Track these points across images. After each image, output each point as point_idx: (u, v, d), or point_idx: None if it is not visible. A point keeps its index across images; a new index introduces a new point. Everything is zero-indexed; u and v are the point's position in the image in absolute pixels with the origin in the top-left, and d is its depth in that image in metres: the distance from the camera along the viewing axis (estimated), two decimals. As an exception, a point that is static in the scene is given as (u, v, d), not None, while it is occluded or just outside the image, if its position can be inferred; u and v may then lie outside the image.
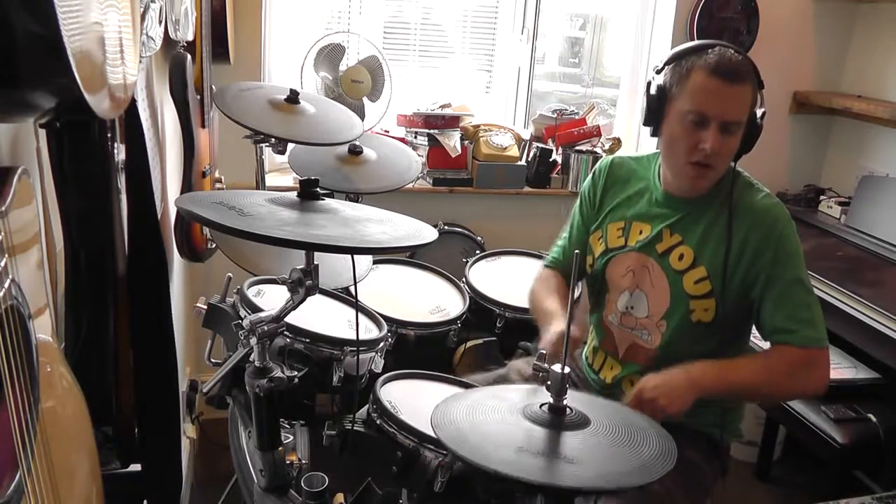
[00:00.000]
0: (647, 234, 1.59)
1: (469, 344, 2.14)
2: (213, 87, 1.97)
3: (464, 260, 2.33)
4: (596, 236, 1.69)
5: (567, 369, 1.11)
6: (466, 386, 1.59)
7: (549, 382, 1.13)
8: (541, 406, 1.12)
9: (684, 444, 1.51)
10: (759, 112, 1.48)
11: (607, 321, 1.68)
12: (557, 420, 1.10)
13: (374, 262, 2.09)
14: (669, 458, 1.06)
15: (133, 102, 1.12)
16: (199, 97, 1.89)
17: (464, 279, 2.19)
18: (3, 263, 0.63)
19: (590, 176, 1.74)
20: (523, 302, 2.00)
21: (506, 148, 2.83)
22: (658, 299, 1.57)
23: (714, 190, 1.53)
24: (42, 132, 0.96)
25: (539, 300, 1.71)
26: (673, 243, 1.56)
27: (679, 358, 1.51)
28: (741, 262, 1.49)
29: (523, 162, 2.90)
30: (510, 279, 2.23)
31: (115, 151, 1.14)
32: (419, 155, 2.68)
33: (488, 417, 1.12)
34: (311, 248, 1.23)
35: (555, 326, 1.55)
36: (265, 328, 1.30)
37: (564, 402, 1.12)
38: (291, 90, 1.99)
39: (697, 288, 1.52)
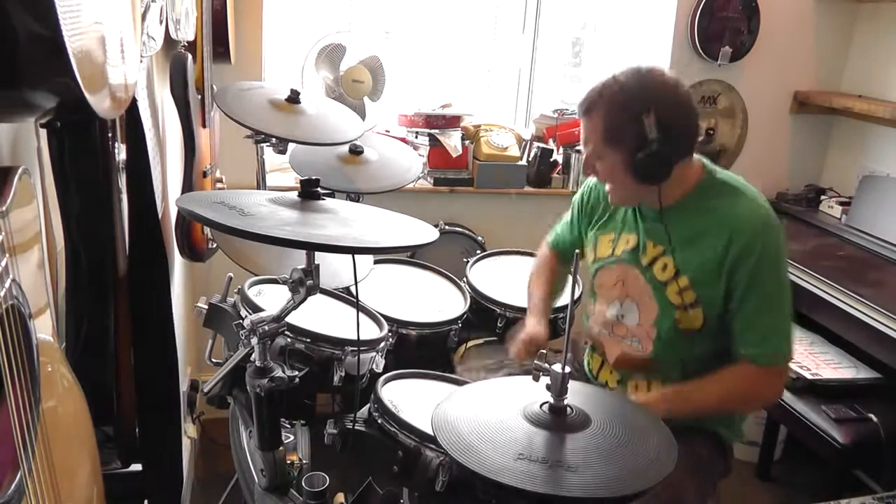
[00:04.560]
0: (633, 244, 1.60)
1: (470, 344, 2.14)
2: (214, 86, 1.97)
3: (464, 260, 2.33)
4: (589, 246, 1.72)
5: (567, 369, 1.11)
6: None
7: (548, 382, 1.12)
8: (541, 406, 1.12)
9: (694, 441, 1.54)
10: (651, 135, 1.40)
11: (594, 332, 1.70)
12: (558, 421, 1.09)
13: (375, 262, 2.09)
14: (669, 459, 1.05)
15: (134, 102, 1.12)
16: (199, 97, 1.89)
17: (464, 279, 2.19)
18: (3, 263, 0.63)
19: (580, 190, 1.80)
20: (524, 302, 2.00)
21: (506, 148, 2.84)
22: (647, 308, 1.57)
23: (691, 197, 1.51)
24: (43, 132, 0.96)
25: (531, 283, 1.90)
26: (656, 254, 1.55)
27: (673, 363, 1.56)
28: (723, 271, 1.46)
29: (524, 162, 2.91)
30: (511, 279, 2.23)
31: (116, 151, 1.14)
32: (420, 155, 2.68)
33: (489, 419, 1.12)
34: (311, 247, 1.23)
35: (528, 326, 1.74)
36: (266, 328, 1.30)
37: (565, 401, 1.11)
38: (292, 90, 1.98)
39: (682, 298, 1.51)
